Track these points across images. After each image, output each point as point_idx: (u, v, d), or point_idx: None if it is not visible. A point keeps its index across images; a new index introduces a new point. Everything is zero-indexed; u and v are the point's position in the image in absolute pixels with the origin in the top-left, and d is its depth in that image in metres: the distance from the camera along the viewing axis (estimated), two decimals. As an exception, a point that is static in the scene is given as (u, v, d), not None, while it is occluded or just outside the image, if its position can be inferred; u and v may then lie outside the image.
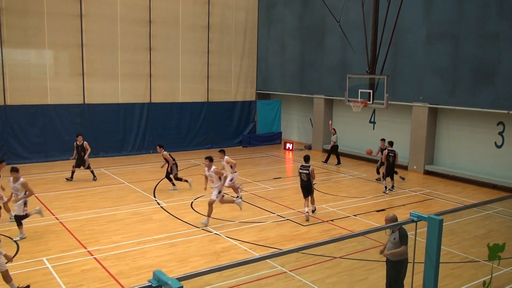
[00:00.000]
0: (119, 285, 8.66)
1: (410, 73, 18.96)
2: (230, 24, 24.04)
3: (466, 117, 17.85)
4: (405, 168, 19.33)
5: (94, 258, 9.87)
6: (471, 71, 16.86)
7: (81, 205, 13.68)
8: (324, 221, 12.57)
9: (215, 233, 11.48)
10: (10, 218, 11.68)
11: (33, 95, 19.06)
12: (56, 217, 12.46)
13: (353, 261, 9.93)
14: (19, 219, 10.74)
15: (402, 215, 12.88)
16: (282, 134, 26.55)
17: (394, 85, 18.76)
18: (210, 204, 11.97)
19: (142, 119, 21.76)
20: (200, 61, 23.22)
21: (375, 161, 19.98)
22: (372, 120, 21.82)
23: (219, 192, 12.12)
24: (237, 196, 13.75)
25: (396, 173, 17.44)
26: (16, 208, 10.76)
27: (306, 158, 13.13)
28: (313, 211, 13.15)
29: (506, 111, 15.90)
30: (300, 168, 12.97)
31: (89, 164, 16.29)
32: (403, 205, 14.35)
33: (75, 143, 16.22)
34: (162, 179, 16.02)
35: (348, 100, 16.56)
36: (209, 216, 11.97)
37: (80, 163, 16.14)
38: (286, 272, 9.32)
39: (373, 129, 21.79)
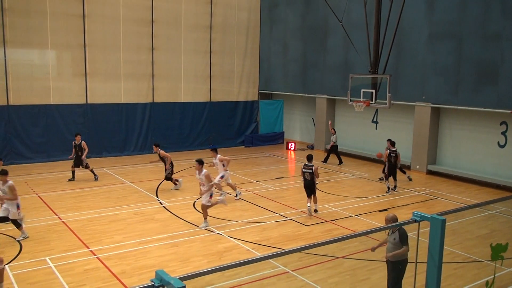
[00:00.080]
0: (121, 285, 8.67)
1: (412, 73, 18.93)
2: (233, 24, 24.05)
3: (469, 117, 17.81)
4: (407, 168, 19.28)
5: (97, 257, 9.88)
6: (474, 71, 16.82)
7: (83, 204, 13.70)
8: (326, 221, 12.56)
9: (217, 233, 11.48)
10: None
11: (35, 95, 19.11)
12: (58, 217, 12.48)
13: (356, 261, 9.92)
14: (16, 223, 10.74)
15: (405, 215, 12.87)
16: (285, 134, 26.54)
17: (396, 85, 18.73)
18: (203, 209, 11.92)
19: (144, 119, 21.79)
20: (203, 61, 23.23)
21: (377, 161, 19.97)
22: (375, 120, 21.79)
23: (211, 195, 11.99)
24: (221, 194, 13.63)
25: (405, 172, 17.48)
26: (6, 212, 10.67)
27: (309, 158, 13.19)
28: (315, 211, 13.16)
29: (509, 111, 15.85)
30: (304, 168, 13.00)
31: (87, 163, 16.29)
32: (406, 205, 14.33)
33: (73, 142, 16.29)
34: (175, 180, 15.95)
35: (350, 100, 16.54)
36: (205, 219, 11.93)
37: (78, 162, 16.17)
38: (288, 272, 9.31)
39: (376, 129, 21.77)
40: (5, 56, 18.28)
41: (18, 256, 9.83)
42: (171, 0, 21.83)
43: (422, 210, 6.71)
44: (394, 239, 7.56)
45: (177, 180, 15.58)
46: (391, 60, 16.72)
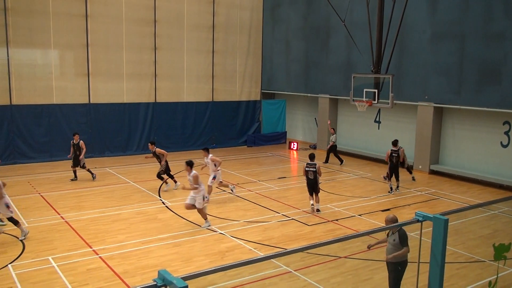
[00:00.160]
0: (124, 284, 8.69)
1: (415, 72, 18.89)
2: (235, 23, 24.05)
3: (471, 116, 17.77)
4: (410, 167, 19.24)
5: (99, 257, 9.90)
6: (476, 71, 16.77)
7: (86, 204, 13.73)
8: (328, 221, 12.55)
9: (220, 233, 11.49)
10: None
11: (38, 94, 19.16)
12: (61, 216, 12.51)
13: (358, 261, 9.91)
14: (12, 220, 10.74)
15: (407, 215, 12.87)
16: (287, 133, 26.54)
17: (399, 85, 18.70)
18: (199, 212, 11.88)
19: (147, 118, 21.82)
20: (205, 61, 23.24)
21: (380, 161, 19.94)
22: (377, 119, 21.77)
23: (203, 198, 11.88)
24: (206, 197, 13.63)
25: (411, 172, 17.45)
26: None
27: (312, 156, 13.28)
28: (317, 210, 13.16)
29: (512, 111, 15.83)
30: (307, 166, 13.04)
31: (84, 163, 16.29)
32: (408, 205, 14.31)
33: (71, 142, 16.32)
34: (166, 180, 15.99)
35: (353, 100, 16.53)
36: (206, 219, 11.91)
37: (77, 162, 16.20)
38: (290, 271, 9.31)
39: (378, 128, 21.74)
40: (8, 56, 18.34)
41: (21, 256, 9.86)
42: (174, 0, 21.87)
43: (424, 210, 6.70)
44: (394, 240, 7.52)
45: (166, 182, 15.43)
46: (393, 60, 16.70)
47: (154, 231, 11.52)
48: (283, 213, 13.14)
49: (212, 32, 23.18)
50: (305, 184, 13.45)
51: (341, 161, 20.34)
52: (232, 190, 14.62)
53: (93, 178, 16.43)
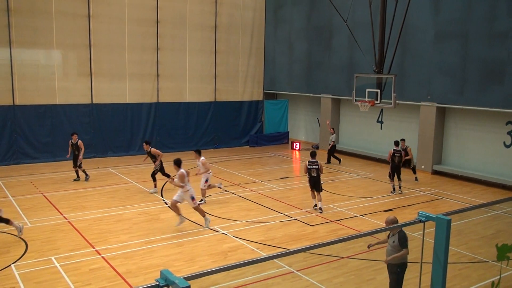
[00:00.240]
0: (126, 284, 8.70)
1: (418, 72, 18.86)
2: (238, 24, 24.06)
3: (474, 116, 17.73)
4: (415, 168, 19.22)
5: (102, 257, 9.92)
6: (479, 70, 16.74)
7: (89, 204, 13.75)
8: (331, 221, 12.55)
9: (223, 233, 11.49)
10: None
11: (41, 95, 19.21)
12: (64, 217, 12.54)
13: (361, 261, 9.90)
14: (2, 220, 10.68)
15: (410, 215, 12.86)
16: (290, 133, 26.53)
17: (402, 85, 18.68)
18: (196, 209, 11.87)
19: (149, 118, 21.84)
20: (208, 61, 23.26)
21: (382, 161, 19.92)
22: (380, 119, 21.74)
23: (192, 198, 11.81)
24: (201, 200, 13.65)
25: (415, 172, 17.41)
26: None
27: (313, 154, 13.48)
28: (320, 209, 13.17)
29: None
30: (309, 164, 13.12)
31: (81, 163, 16.29)
32: (411, 205, 14.29)
33: (70, 141, 16.34)
34: (166, 182, 16.00)
35: (355, 100, 16.52)
36: (204, 216, 11.90)
37: (76, 162, 16.22)
38: (293, 272, 9.31)
39: (381, 128, 21.72)
40: (11, 56, 18.39)
41: (24, 256, 9.88)
42: (176, 0, 21.88)
43: (427, 210, 6.69)
44: (394, 241, 7.48)
45: (155, 186, 15.33)
46: (396, 60, 16.68)
47: (157, 231, 11.54)
48: (285, 213, 13.14)
49: (214, 32, 23.19)
50: (308, 184, 13.48)
51: (339, 161, 20.34)
52: (219, 187, 14.75)
53: (86, 179, 16.41)
